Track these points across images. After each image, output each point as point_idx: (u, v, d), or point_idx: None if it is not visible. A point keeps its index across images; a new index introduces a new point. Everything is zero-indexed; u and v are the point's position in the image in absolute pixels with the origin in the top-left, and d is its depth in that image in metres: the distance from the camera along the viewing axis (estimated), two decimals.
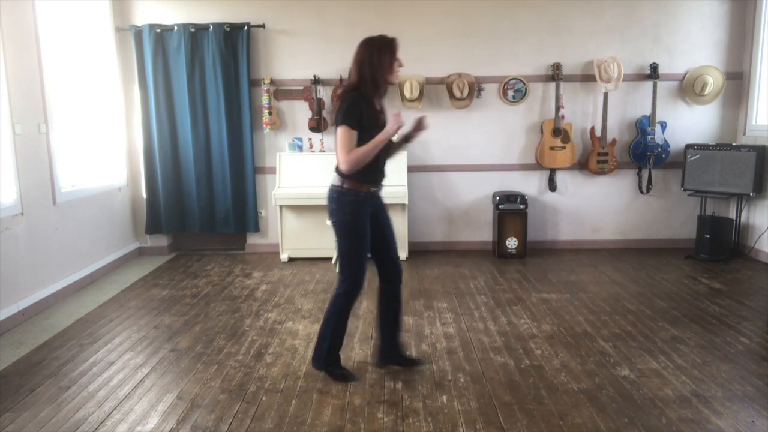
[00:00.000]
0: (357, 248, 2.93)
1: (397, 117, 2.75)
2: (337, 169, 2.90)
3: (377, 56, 2.79)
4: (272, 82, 5.62)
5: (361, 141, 2.81)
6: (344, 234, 2.93)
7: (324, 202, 5.35)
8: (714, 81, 5.46)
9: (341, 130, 2.78)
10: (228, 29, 5.45)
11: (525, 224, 5.50)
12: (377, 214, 3.01)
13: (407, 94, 5.43)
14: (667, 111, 5.64)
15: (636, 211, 5.86)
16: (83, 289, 4.77)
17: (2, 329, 3.82)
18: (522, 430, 2.58)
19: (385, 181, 3.05)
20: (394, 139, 2.95)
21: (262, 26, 5.53)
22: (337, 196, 2.91)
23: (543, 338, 3.61)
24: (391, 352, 3.17)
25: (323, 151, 5.64)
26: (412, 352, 3.41)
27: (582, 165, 5.75)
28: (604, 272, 5.05)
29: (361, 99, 2.81)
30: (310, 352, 3.42)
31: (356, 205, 2.88)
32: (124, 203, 5.70)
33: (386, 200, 5.26)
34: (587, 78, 5.60)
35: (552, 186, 5.79)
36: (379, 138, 2.80)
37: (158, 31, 5.45)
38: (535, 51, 5.61)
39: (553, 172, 5.76)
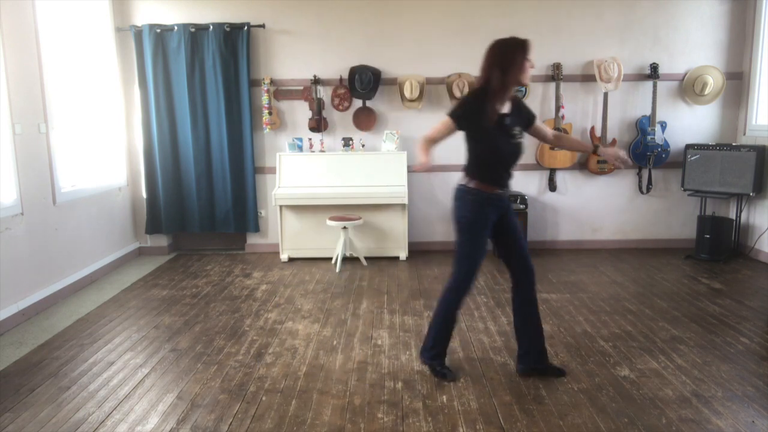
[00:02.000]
0: (471, 246, 2.93)
1: (424, 165, 2.81)
2: (465, 168, 2.94)
3: (509, 57, 2.81)
4: (272, 82, 5.62)
5: (471, 139, 2.90)
6: (461, 230, 2.94)
7: (324, 202, 5.44)
8: (714, 81, 5.45)
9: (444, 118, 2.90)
10: (228, 29, 5.45)
11: (525, 224, 5.49)
12: (504, 217, 2.98)
13: (407, 94, 5.43)
14: (667, 111, 5.64)
15: (636, 211, 5.86)
16: (83, 289, 4.76)
17: (2, 329, 3.82)
18: (522, 430, 2.58)
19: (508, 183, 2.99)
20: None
21: (262, 26, 5.53)
22: (461, 194, 2.93)
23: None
24: (531, 358, 3.05)
25: (323, 151, 5.64)
26: (411, 351, 3.41)
27: (582, 165, 5.75)
28: (604, 272, 5.05)
29: (475, 100, 2.86)
30: (310, 352, 3.42)
31: (477, 205, 2.89)
32: (124, 203, 5.70)
33: (385, 200, 5.38)
34: (587, 78, 5.60)
35: (552, 186, 5.79)
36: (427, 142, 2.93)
37: (158, 31, 5.45)
38: (535, 51, 5.57)
39: (553, 172, 5.76)
